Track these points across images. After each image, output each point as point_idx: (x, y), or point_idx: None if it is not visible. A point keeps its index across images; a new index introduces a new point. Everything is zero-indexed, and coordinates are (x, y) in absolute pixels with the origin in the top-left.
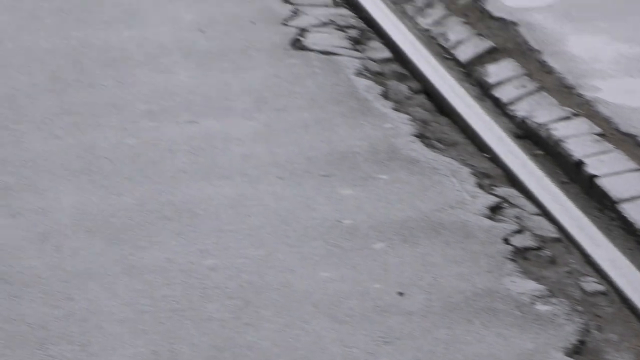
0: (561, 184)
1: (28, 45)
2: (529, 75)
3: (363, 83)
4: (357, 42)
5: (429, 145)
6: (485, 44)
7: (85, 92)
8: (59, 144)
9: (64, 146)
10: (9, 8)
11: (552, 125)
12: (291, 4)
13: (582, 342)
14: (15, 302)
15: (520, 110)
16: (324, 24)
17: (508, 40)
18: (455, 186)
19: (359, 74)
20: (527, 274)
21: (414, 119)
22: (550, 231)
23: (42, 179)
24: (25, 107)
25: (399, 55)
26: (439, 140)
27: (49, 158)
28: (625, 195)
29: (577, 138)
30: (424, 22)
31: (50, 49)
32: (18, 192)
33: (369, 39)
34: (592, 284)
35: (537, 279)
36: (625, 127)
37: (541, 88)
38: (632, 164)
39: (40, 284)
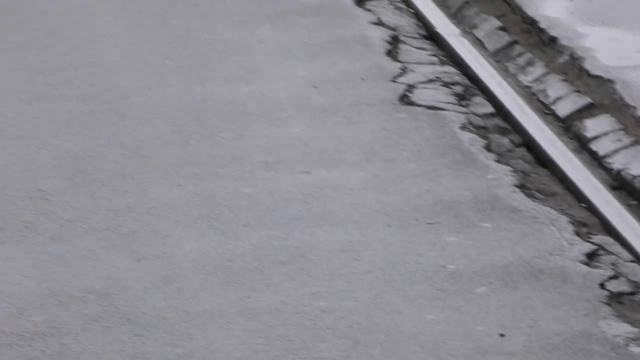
0: None
1: (153, 100)
2: (625, 129)
3: (467, 136)
4: (461, 98)
5: (529, 196)
6: (583, 100)
7: (206, 144)
8: (181, 193)
9: (185, 194)
10: (136, 66)
11: None
12: (400, 62)
13: None
14: (140, 341)
15: (616, 162)
16: (431, 81)
17: (605, 96)
18: (554, 234)
19: (464, 127)
20: (621, 317)
21: (515, 171)
22: None
23: (165, 225)
24: (150, 157)
25: (501, 110)
26: (539, 191)
27: (171, 206)
28: None
29: None
30: (525, 79)
31: (174, 104)
32: (143, 237)
33: (473, 95)
34: None
35: (632, 322)
36: None
37: (636, 142)
38: None
39: (162, 324)
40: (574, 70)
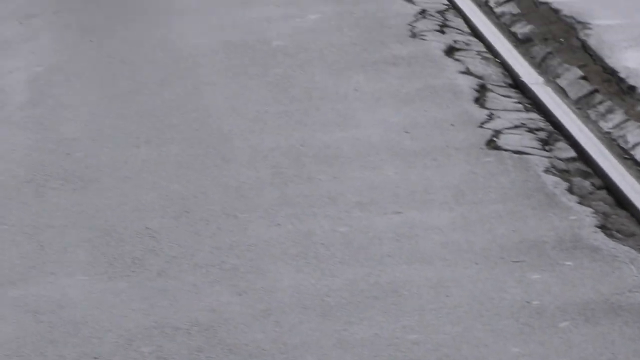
0: None
1: (254, 144)
2: None
3: (551, 179)
4: (545, 143)
5: (610, 236)
6: None
7: (303, 186)
8: (280, 231)
9: (284, 233)
10: (239, 112)
11: None
12: (487, 109)
13: None
14: None
15: None
16: (516, 127)
17: None
18: (633, 272)
19: (547, 171)
20: None
21: (596, 212)
22: None
23: (265, 261)
24: (251, 198)
25: (583, 155)
26: (619, 231)
27: (271, 243)
28: None
29: None
30: (606, 125)
31: (274, 147)
32: (244, 273)
33: (556, 140)
34: None
35: None
36: None
37: None
38: None
39: (263, 355)
40: None
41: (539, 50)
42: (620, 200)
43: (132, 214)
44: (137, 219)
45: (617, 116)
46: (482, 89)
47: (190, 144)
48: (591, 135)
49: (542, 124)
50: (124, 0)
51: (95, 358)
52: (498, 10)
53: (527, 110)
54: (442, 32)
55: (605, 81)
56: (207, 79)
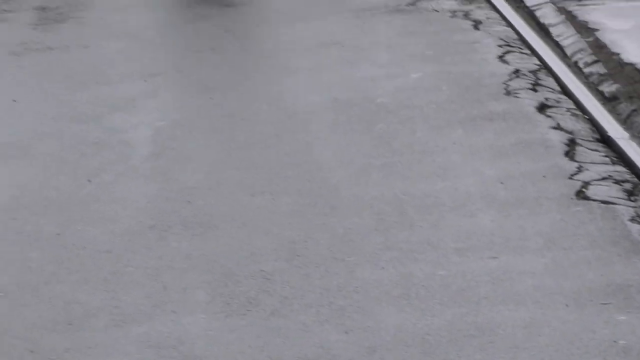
0: None
1: (359, 194)
2: None
3: (636, 228)
4: (631, 194)
5: None
6: None
7: (405, 232)
8: (384, 274)
9: (387, 276)
10: (345, 165)
11: None
12: (576, 162)
13: None
14: None
15: None
16: (604, 179)
17: None
18: None
19: (633, 220)
20: None
21: None
22: None
23: (370, 302)
24: (357, 243)
25: None
26: None
27: (375, 285)
28: None
29: None
30: None
31: (378, 197)
32: (351, 313)
33: None
34: None
35: None
36: None
37: None
38: None
39: None
40: None
41: (624, 107)
42: None
43: (247, 258)
44: (252, 262)
45: None
46: (572, 144)
47: (301, 194)
48: None
49: (627, 176)
50: (241, 60)
51: None
52: (586, 70)
53: (613, 163)
54: (535, 90)
55: None
56: (316, 134)
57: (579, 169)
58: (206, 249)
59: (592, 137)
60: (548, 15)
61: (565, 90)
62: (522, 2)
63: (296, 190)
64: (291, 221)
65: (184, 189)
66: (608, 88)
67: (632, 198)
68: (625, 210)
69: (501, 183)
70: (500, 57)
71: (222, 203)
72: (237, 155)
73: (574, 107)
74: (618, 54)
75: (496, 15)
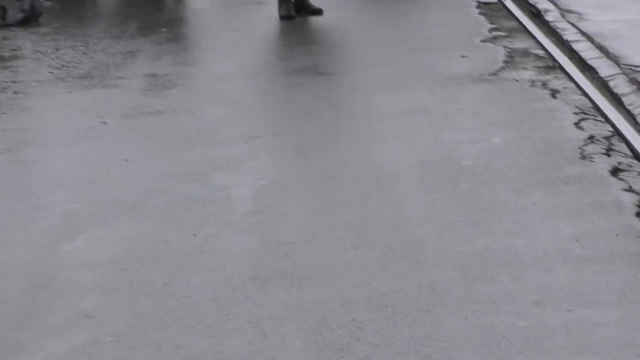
0: None
1: (444, 249)
2: None
3: None
4: None
5: None
6: None
7: (487, 285)
8: (467, 325)
9: (470, 326)
10: (431, 222)
11: None
12: None
13: None
14: None
15: None
16: None
17: None
18: None
19: None
20: None
21: None
22: None
23: (454, 351)
24: (442, 295)
25: None
26: None
27: (459, 335)
28: None
29: None
30: None
31: (461, 252)
32: None
33: None
34: None
35: None
36: None
37: None
38: None
39: None
40: None
41: None
42: None
43: (340, 308)
44: (344, 312)
45: None
46: None
47: (390, 248)
48: None
49: None
50: (333, 125)
51: None
52: None
53: None
54: (608, 155)
55: None
56: (404, 193)
57: None
58: (302, 299)
59: None
60: (620, 85)
61: (636, 155)
62: (597, 72)
63: (385, 245)
64: (380, 274)
65: (282, 243)
66: None
67: None
68: None
69: (577, 241)
70: (576, 124)
71: (317, 256)
72: (330, 213)
73: None
74: None
75: (572, 85)
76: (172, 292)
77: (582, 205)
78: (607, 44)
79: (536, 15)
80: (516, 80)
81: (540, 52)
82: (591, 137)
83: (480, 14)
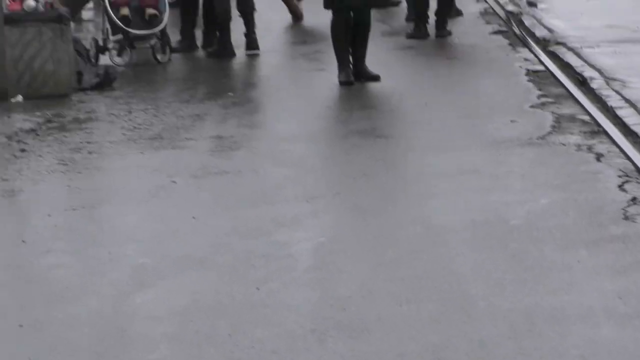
0: None
1: (494, 304)
2: None
3: None
4: None
5: None
6: None
7: (535, 341)
8: None
9: None
10: (482, 278)
11: None
12: None
13: None
14: None
15: None
16: None
17: None
18: None
19: None
20: None
21: None
22: None
23: None
24: (491, 349)
25: None
26: None
27: None
28: None
29: None
30: None
31: (511, 308)
32: None
33: None
34: None
35: None
36: None
37: None
38: None
39: None
40: None
41: None
42: None
43: (392, 359)
44: None
45: None
46: None
47: (442, 303)
48: None
49: None
50: (390, 185)
51: None
52: None
53: None
54: None
55: None
56: (456, 250)
57: None
58: (359, 351)
59: None
60: None
61: None
62: (639, 137)
63: (438, 300)
64: (434, 327)
65: (340, 297)
66: None
67: None
68: None
69: (620, 298)
70: (620, 186)
71: (373, 310)
72: (386, 269)
73: None
74: None
75: (616, 149)
76: (236, 343)
77: (625, 264)
78: None
79: (582, 83)
80: (563, 145)
81: (586, 118)
82: (634, 199)
83: (529, 81)
